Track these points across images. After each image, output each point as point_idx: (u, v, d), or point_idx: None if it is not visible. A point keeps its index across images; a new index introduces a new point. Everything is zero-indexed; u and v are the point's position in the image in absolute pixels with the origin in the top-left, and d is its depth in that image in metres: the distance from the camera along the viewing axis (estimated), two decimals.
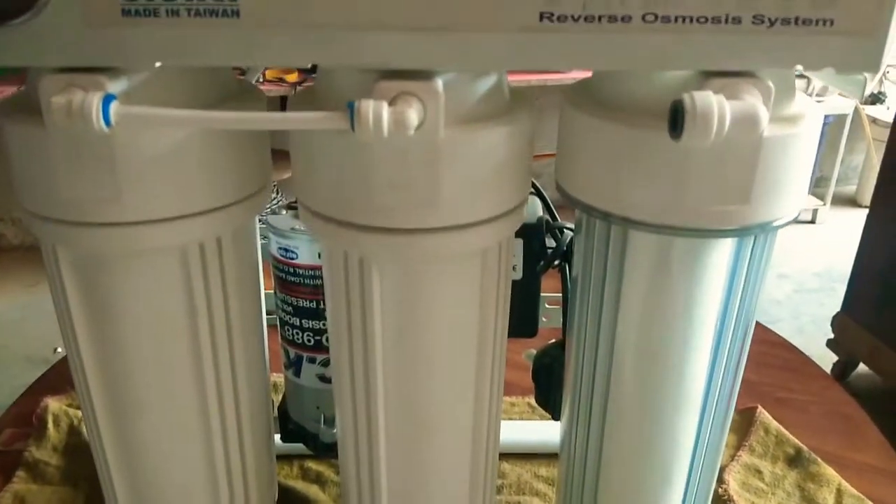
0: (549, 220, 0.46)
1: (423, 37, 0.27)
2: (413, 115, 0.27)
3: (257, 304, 0.39)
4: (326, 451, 0.49)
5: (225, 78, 0.33)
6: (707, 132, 0.26)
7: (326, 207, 0.31)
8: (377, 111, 0.26)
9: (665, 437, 0.38)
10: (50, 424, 0.61)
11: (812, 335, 1.90)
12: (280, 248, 0.45)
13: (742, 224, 0.31)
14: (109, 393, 0.36)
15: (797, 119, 0.30)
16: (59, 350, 1.82)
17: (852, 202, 2.85)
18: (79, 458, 0.59)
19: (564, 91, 0.34)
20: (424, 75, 0.28)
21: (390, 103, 0.27)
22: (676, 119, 0.27)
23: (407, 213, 0.30)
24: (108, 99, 0.26)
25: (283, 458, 0.58)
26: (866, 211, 1.66)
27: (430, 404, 0.36)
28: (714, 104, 0.26)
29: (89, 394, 0.36)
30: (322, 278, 0.45)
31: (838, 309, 1.71)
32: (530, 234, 0.46)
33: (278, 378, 0.56)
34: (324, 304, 0.46)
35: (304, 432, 0.50)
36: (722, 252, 0.33)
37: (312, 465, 0.57)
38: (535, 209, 0.47)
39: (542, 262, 0.45)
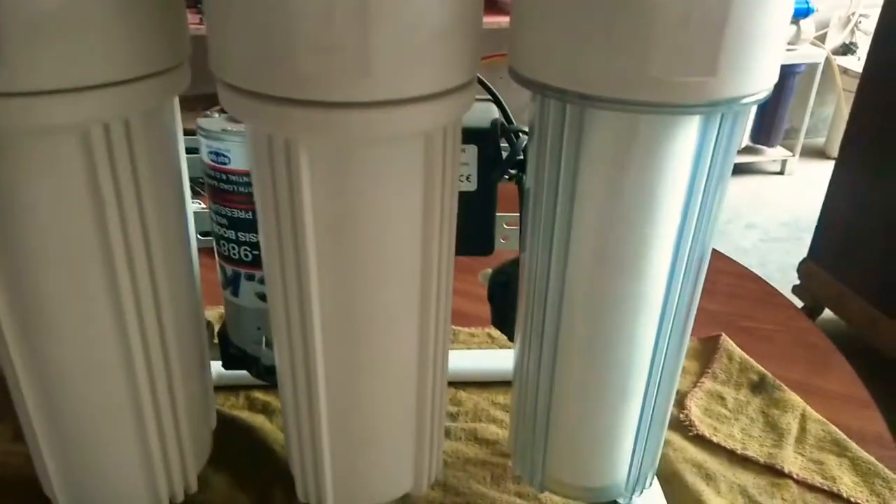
0: (505, 123, 0.43)
1: None
2: None
3: (180, 209, 0.36)
4: (269, 375, 0.46)
5: None
6: None
7: (245, 79, 0.28)
8: None
9: (621, 351, 0.36)
10: None
11: (778, 282, 1.90)
12: (211, 153, 0.41)
13: (710, 98, 0.28)
14: (14, 308, 0.32)
15: None
16: None
17: (821, 154, 2.86)
18: (4, 390, 0.55)
19: None
20: None
21: None
22: None
23: (336, 83, 0.26)
24: None
25: (229, 388, 0.55)
26: (833, 163, 1.65)
27: (371, 315, 0.33)
28: None
29: None
30: None
31: (804, 257, 1.72)
32: (484, 140, 0.42)
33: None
34: None
35: (246, 356, 0.47)
36: (686, 135, 0.30)
37: (259, 395, 0.54)
38: (490, 113, 0.43)
39: (496, 170, 0.41)
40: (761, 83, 0.29)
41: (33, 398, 0.35)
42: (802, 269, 1.73)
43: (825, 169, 1.86)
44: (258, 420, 0.52)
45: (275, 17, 0.25)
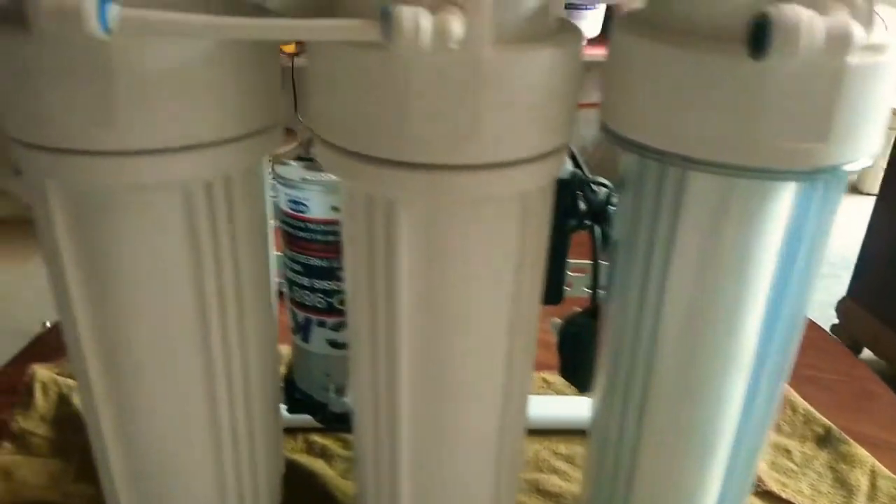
0: (581, 174, 0.43)
1: None
2: (457, 23, 0.23)
3: (266, 259, 0.36)
4: (336, 422, 0.46)
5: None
6: (795, 49, 0.23)
7: (349, 140, 0.28)
8: (416, 18, 0.23)
9: (709, 409, 0.35)
10: (38, 393, 0.58)
11: (817, 320, 1.88)
12: (290, 201, 0.41)
13: (817, 165, 0.27)
14: (106, 353, 0.32)
15: (882, 47, 0.27)
16: (48, 324, 1.79)
17: (855, 189, 2.83)
18: (69, 428, 0.55)
19: (617, 22, 0.31)
20: None
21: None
22: (760, 35, 0.23)
23: (444, 146, 0.26)
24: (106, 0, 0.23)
25: (287, 430, 0.54)
26: (868, 199, 1.63)
27: (458, 367, 0.33)
28: (804, 17, 0.23)
29: (83, 354, 0.32)
30: (335, 234, 0.42)
31: (843, 295, 1.69)
32: (562, 190, 0.42)
33: (284, 348, 0.52)
34: (337, 262, 0.42)
35: (312, 402, 0.47)
36: (785, 198, 0.30)
37: (318, 438, 0.54)
38: (566, 163, 0.43)
39: (573, 221, 0.41)
40: (867, 149, 0.28)
41: (115, 443, 0.35)
42: (841, 307, 1.70)
43: (859, 204, 1.84)
44: (318, 465, 0.52)
45: (388, 82, 0.26)
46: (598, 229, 0.43)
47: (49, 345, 0.67)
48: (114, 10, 0.23)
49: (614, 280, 0.36)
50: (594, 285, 0.44)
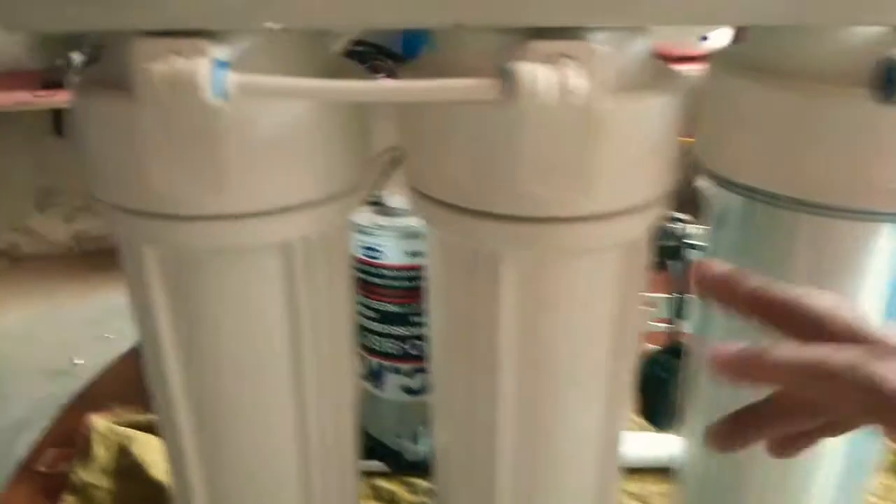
0: None
1: None
2: (578, 77, 0.23)
3: (351, 308, 0.35)
4: (410, 469, 0.45)
5: (327, 52, 0.29)
6: None
7: (456, 195, 0.27)
8: (542, 76, 0.22)
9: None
10: (97, 445, 0.57)
11: None
12: (364, 248, 0.41)
13: None
14: (197, 407, 0.32)
15: None
16: (78, 361, 1.78)
17: None
18: (131, 480, 0.54)
19: (712, 59, 0.30)
20: (572, 35, 0.24)
21: None
22: (889, 79, 0.23)
23: (556, 199, 0.26)
24: (221, 66, 0.22)
25: None
26: None
27: (558, 415, 0.32)
28: None
29: (173, 408, 0.31)
30: (410, 280, 0.41)
31: None
32: None
33: None
34: (411, 308, 0.42)
35: (384, 449, 0.46)
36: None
37: (384, 483, 0.53)
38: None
39: (660, 258, 0.40)
40: None
41: (203, 497, 0.34)
42: None
43: None
44: None
45: (501, 138, 0.25)
46: (676, 264, 0.42)
47: (101, 391, 0.67)
48: (228, 76, 0.22)
49: (710, 319, 0.35)
50: (674, 321, 0.43)
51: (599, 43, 0.23)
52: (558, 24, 0.23)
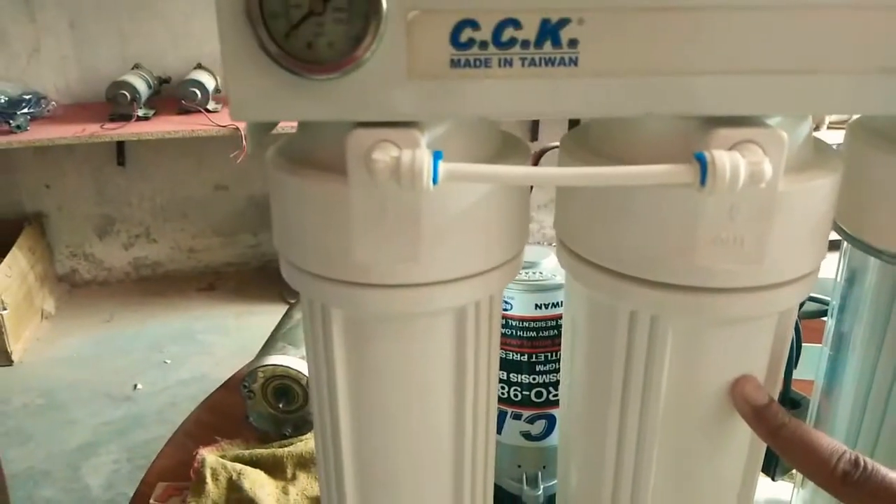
0: None
1: (764, 80, 0.25)
2: (769, 166, 0.24)
3: (499, 362, 0.37)
4: None
5: (496, 131, 0.31)
6: None
7: (620, 263, 0.29)
8: (735, 163, 0.24)
9: None
10: (209, 479, 0.59)
11: None
12: None
13: None
14: (362, 463, 0.33)
15: None
16: (139, 387, 1.83)
17: None
18: None
19: (852, 132, 0.32)
20: (754, 122, 0.25)
21: None
22: None
23: (726, 272, 0.27)
24: (437, 156, 0.24)
25: None
26: None
27: (699, 471, 0.33)
28: None
29: (340, 465, 0.33)
30: (536, 331, 0.43)
31: None
32: None
33: None
34: (535, 357, 0.43)
35: (502, 493, 0.47)
36: None
37: None
38: None
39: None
40: None
41: None
42: None
43: None
44: None
45: (680, 216, 0.27)
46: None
47: (202, 426, 0.69)
48: (442, 165, 0.24)
49: (840, 373, 0.37)
50: (790, 370, 0.44)
51: (775, 127, 0.25)
52: (744, 114, 0.25)
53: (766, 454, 0.47)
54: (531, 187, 0.32)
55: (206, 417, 0.71)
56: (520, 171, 0.25)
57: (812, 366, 0.45)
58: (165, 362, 1.92)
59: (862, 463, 0.27)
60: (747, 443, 0.33)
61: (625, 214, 0.28)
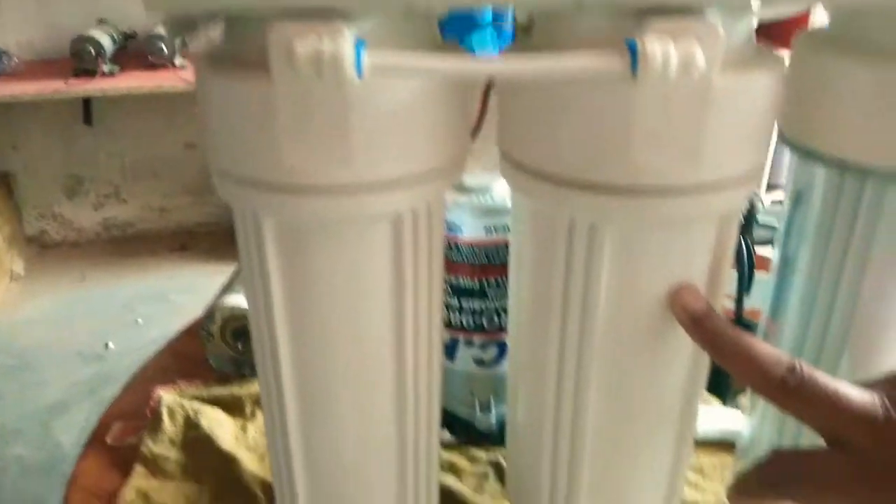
0: None
1: None
2: (701, 55, 0.24)
3: (442, 282, 0.36)
4: (481, 439, 0.47)
5: (434, 31, 0.30)
6: None
7: (559, 166, 0.28)
8: (665, 50, 0.23)
9: None
10: (165, 417, 0.59)
11: None
12: None
13: None
14: (302, 378, 0.33)
15: None
16: (111, 346, 1.82)
17: None
18: (199, 452, 0.56)
19: (801, 41, 0.31)
20: (690, 15, 0.25)
21: None
22: None
23: (663, 171, 0.27)
24: (360, 45, 0.24)
25: None
26: None
27: (641, 384, 0.33)
28: None
29: (279, 382, 0.33)
30: (487, 256, 0.42)
31: None
32: None
33: None
34: (486, 282, 0.43)
35: (455, 419, 0.47)
36: None
37: (444, 454, 0.55)
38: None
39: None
40: None
41: (302, 467, 0.36)
42: None
43: None
44: (450, 480, 0.52)
45: (615, 112, 0.26)
46: (745, 240, 0.43)
47: (162, 369, 0.69)
48: (366, 56, 0.24)
49: (783, 292, 0.37)
50: (740, 297, 0.44)
51: (713, 21, 0.25)
52: (676, 4, 0.24)
53: (716, 378, 0.48)
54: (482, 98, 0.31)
55: (166, 361, 0.70)
56: (447, 62, 0.25)
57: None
58: (137, 322, 1.91)
59: (799, 368, 0.27)
60: (689, 357, 0.33)
61: (561, 113, 0.28)
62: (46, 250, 2.38)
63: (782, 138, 0.33)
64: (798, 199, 0.35)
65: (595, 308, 0.31)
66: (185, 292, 2.02)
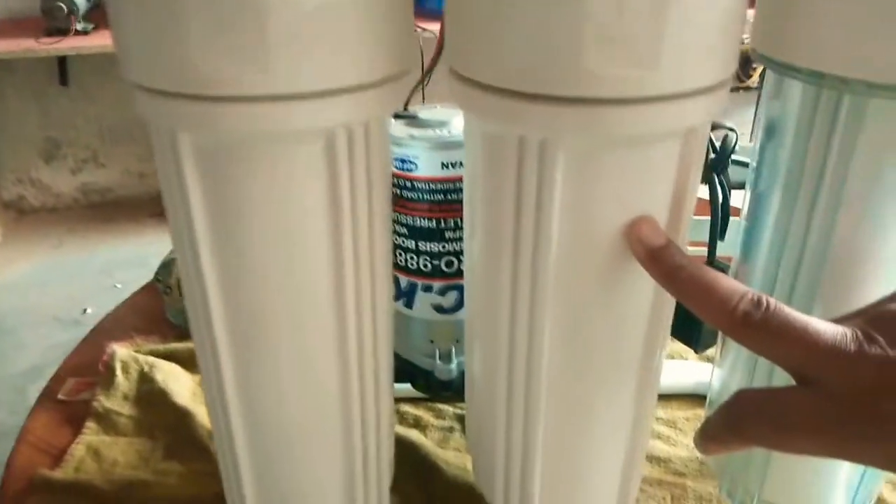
0: None
1: None
2: None
3: (390, 215, 0.34)
4: (441, 389, 0.45)
5: None
6: None
7: (506, 78, 0.26)
8: None
9: None
10: (119, 372, 0.56)
11: None
12: (396, 160, 0.39)
13: None
14: (234, 317, 0.30)
15: None
16: (88, 311, 1.79)
17: None
18: (154, 407, 0.54)
19: None
20: None
21: None
22: None
23: (619, 78, 0.24)
24: None
25: None
26: None
27: (601, 325, 0.31)
28: None
29: (209, 321, 0.30)
30: (443, 193, 0.40)
31: None
32: None
33: None
34: (444, 223, 0.40)
35: (415, 370, 0.45)
36: None
37: (409, 409, 0.53)
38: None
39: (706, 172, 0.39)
40: None
41: (240, 416, 0.34)
42: None
43: None
44: (413, 435, 0.50)
45: (559, 10, 0.23)
46: (720, 178, 0.41)
47: (120, 324, 0.66)
48: None
49: (757, 227, 0.34)
50: (713, 243, 0.42)
51: None
52: None
53: (688, 324, 0.45)
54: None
55: (124, 316, 0.68)
56: None
57: None
58: (116, 287, 1.88)
59: (765, 302, 0.24)
60: (650, 298, 0.31)
61: (506, 16, 0.25)
62: (25, 216, 2.34)
63: (756, 55, 0.30)
64: (771, 130, 0.33)
65: (548, 242, 0.28)
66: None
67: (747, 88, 2.08)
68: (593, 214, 0.28)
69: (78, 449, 0.51)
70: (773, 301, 0.24)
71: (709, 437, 0.27)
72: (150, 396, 0.55)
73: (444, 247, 0.41)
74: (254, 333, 0.31)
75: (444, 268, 0.41)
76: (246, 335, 0.31)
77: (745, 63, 1.88)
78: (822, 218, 0.31)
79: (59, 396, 0.57)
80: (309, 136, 0.27)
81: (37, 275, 1.99)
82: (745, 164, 0.42)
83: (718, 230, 0.43)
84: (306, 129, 0.26)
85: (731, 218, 0.43)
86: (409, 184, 0.39)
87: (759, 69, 1.87)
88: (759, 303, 0.24)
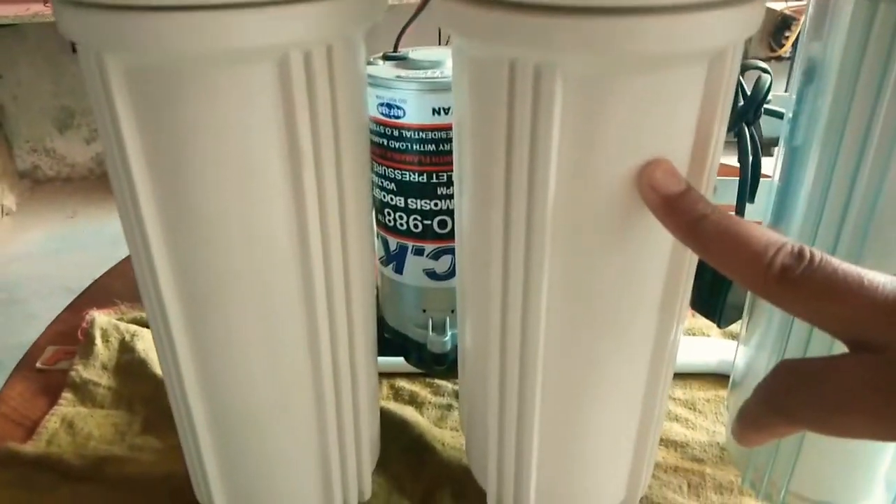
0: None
1: None
2: None
3: (367, 162, 0.30)
4: (434, 363, 0.40)
5: None
6: None
7: None
8: None
9: None
10: (98, 340, 0.53)
11: None
12: (382, 105, 0.35)
13: None
14: (183, 276, 0.27)
15: None
16: None
17: None
18: (133, 377, 0.51)
19: None
20: None
21: None
22: None
23: None
24: None
25: None
26: None
27: (607, 291, 0.26)
28: None
29: (156, 279, 0.26)
30: (435, 143, 0.35)
31: None
32: None
33: None
34: (436, 178, 0.36)
35: (406, 341, 0.41)
36: None
37: (405, 384, 0.49)
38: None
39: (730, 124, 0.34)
40: None
41: (198, 389, 0.30)
42: None
43: None
44: (408, 412, 0.46)
45: None
46: (750, 130, 0.36)
47: (106, 291, 0.63)
48: None
49: (792, 196, 0.30)
50: (742, 199, 0.37)
51: None
52: None
53: (711, 295, 0.41)
54: None
55: (111, 283, 0.65)
56: None
57: None
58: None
59: (808, 254, 0.20)
60: (665, 257, 0.26)
61: None
62: (40, 185, 2.33)
63: None
64: (810, 74, 0.28)
65: (544, 190, 0.24)
66: None
67: (779, 59, 1.99)
68: (598, 157, 0.23)
69: (52, 421, 0.48)
70: (817, 252, 0.20)
71: (748, 422, 0.22)
72: (130, 367, 0.51)
73: (436, 204, 0.36)
74: (205, 294, 0.27)
75: (436, 228, 0.37)
76: (196, 297, 0.27)
77: (778, 30, 1.80)
78: (872, 168, 0.26)
79: (38, 365, 0.53)
80: (255, 56, 0.22)
81: (50, 244, 1.98)
82: (780, 115, 0.37)
83: (748, 189, 0.38)
84: (251, 48, 0.22)
85: (761, 179, 0.38)
86: (395, 132, 0.35)
87: (792, 37, 1.79)
88: (800, 254, 0.20)
